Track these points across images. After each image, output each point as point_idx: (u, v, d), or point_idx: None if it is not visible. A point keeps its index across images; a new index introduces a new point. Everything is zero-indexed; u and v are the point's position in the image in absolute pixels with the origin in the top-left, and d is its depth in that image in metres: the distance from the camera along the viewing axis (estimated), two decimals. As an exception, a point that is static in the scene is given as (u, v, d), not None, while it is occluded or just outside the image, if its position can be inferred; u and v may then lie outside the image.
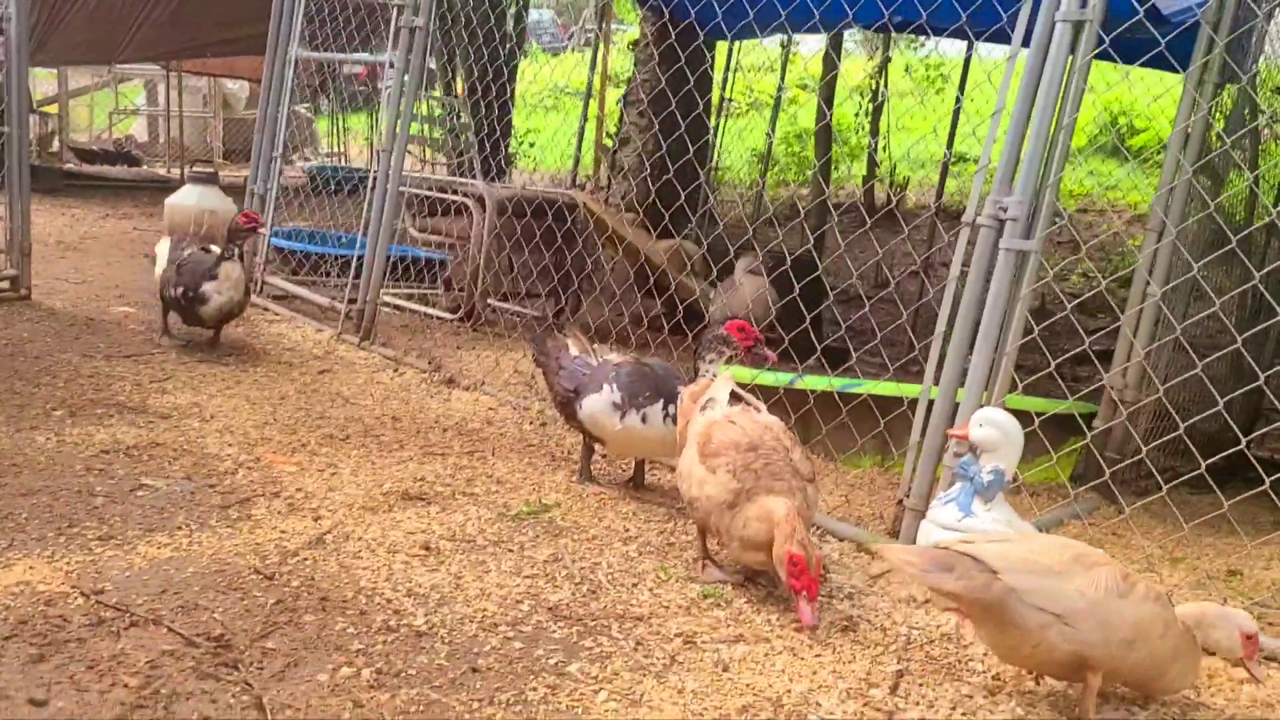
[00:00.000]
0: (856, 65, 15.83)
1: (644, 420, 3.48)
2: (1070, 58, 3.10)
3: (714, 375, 3.29)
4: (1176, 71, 4.27)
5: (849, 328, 6.42)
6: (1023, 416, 3.06)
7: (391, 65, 5.88)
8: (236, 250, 5.10)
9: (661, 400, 3.49)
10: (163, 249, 5.76)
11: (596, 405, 3.56)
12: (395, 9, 5.75)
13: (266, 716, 2.09)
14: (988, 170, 3.32)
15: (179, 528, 3.02)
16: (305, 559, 2.88)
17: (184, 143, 16.42)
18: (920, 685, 2.48)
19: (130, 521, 3.04)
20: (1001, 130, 3.28)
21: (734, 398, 3.13)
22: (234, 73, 16.51)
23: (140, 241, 9.15)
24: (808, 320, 4.17)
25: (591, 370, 3.66)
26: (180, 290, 5.02)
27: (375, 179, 5.91)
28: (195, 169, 8.26)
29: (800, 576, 2.61)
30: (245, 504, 3.26)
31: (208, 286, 4.98)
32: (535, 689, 2.31)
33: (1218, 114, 4.36)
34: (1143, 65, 4.65)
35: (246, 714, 2.10)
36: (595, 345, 3.86)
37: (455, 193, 6.62)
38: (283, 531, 3.07)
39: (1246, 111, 4.80)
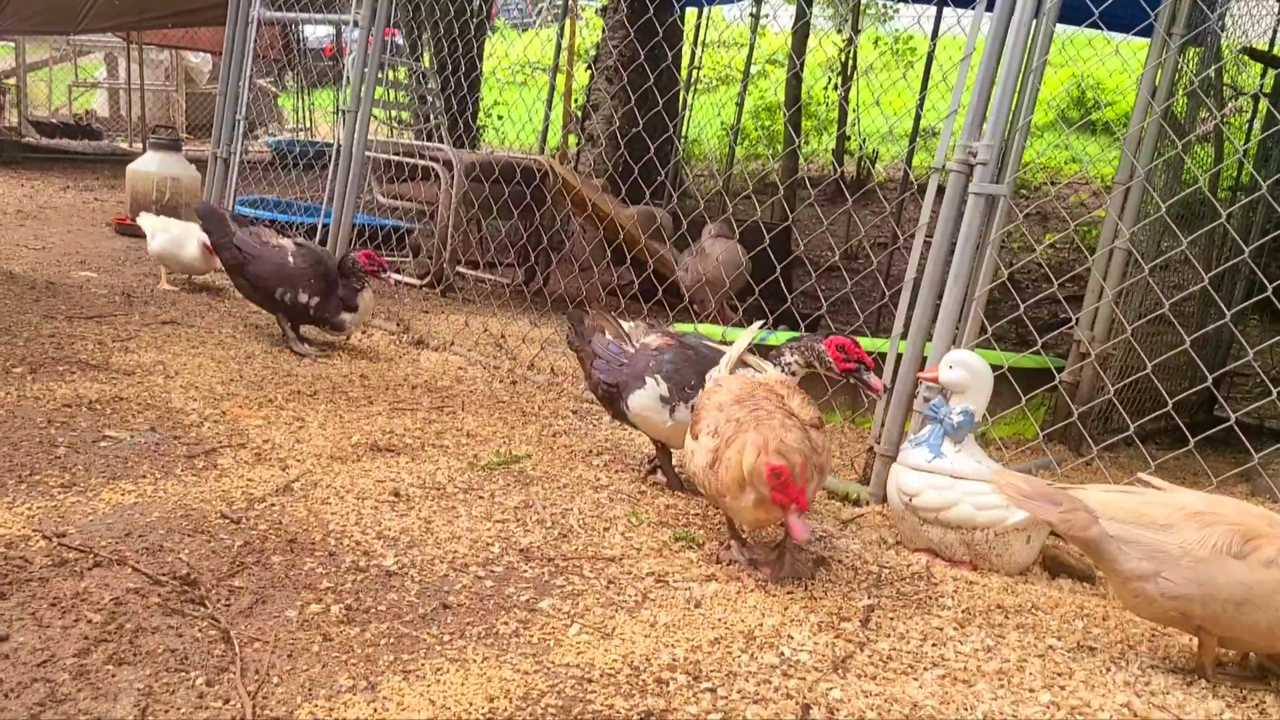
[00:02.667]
0: (826, 41, 15.81)
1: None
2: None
3: (793, 372, 2.95)
4: (1144, 34, 4.30)
5: (812, 296, 6.44)
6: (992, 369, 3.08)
7: (356, 25, 5.80)
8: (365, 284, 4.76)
9: None
10: (148, 223, 5.72)
11: (643, 402, 3.18)
12: (359, -34, 5.67)
13: (234, 648, 2.06)
14: (958, 115, 3.32)
15: (143, 476, 2.97)
16: (273, 505, 2.85)
17: (146, 117, 16.14)
18: (891, 619, 2.49)
19: (93, 470, 2.98)
20: (971, 74, 3.28)
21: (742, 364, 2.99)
22: (196, 45, 16.25)
23: (101, 212, 9.01)
24: (779, 272, 4.16)
25: (630, 359, 3.25)
26: (315, 308, 4.69)
27: (340, 142, 5.84)
28: (157, 134, 8.07)
29: (785, 488, 2.38)
30: (211, 454, 3.21)
31: (347, 317, 4.72)
32: (507, 623, 2.29)
33: (1184, 73, 4.38)
34: (1110, 28, 4.66)
35: (213, 647, 2.07)
36: (627, 326, 3.42)
37: (423, 157, 6.56)
38: (249, 480, 3.03)
39: (1212, 71, 4.84)
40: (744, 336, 3.04)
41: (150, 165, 7.71)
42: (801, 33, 8.56)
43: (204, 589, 2.31)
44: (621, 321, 3.44)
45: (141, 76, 16.10)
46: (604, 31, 9.91)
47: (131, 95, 16.72)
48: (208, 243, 5.37)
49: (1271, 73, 5.94)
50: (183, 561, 2.44)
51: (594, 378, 3.36)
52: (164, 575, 2.35)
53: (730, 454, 2.51)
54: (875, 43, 17.21)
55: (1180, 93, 4.29)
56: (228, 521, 2.69)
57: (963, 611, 2.56)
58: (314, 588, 2.38)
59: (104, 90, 19.58)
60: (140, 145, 14.87)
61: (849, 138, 13.38)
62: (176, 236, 5.68)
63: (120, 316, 4.99)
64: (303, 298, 4.62)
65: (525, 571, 2.59)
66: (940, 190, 3.34)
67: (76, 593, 2.24)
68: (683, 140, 9.97)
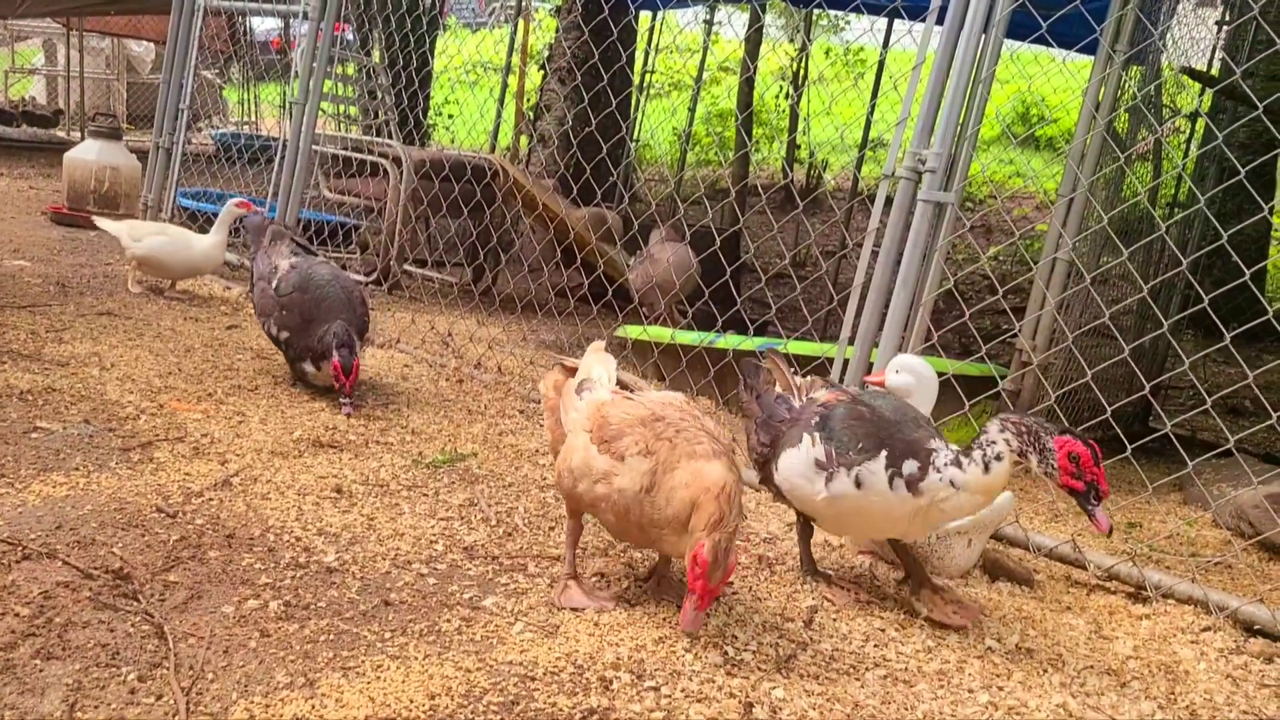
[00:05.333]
0: (779, 50, 15.94)
1: (858, 484, 2.40)
2: (990, 9, 3.14)
3: (995, 457, 2.31)
4: (1089, 52, 4.38)
5: (761, 303, 6.48)
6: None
7: (305, 17, 5.72)
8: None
9: (885, 453, 2.39)
10: (111, 226, 5.41)
11: (793, 464, 2.53)
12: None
13: (168, 644, 2.01)
14: (908, 123, 3.35)
15: (76, 468, 2.89)
16: (210, 499, 2.79)
17: (85, 105, 15.77)
18: (834, 620, 2.51)
19: (23, 462, 2.90)
20: (921, 83, 3.32)
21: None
22: (139, 34, 15.91)
23: (37, 200, 8.77)
24: (729, 274, 4.17)
25: (793, 414, 2.64)
26: (284, 342, 3.98)
27: (287, 136, 5.76)
28: (96, 121, 7.88)
29: (698, 580, 2.14)
30: (147, 447, 3.14)
31: (308, 369, 3.92)
32: (450, 620, 2.27)
33: (1124, 92, 4.48)
34: (1059, 45, 4.76)
35: (146, 643, 2.02)
36: (800, 380, 2.79)
37: (371, 153, 6.48)
38: (187, 474, 2.96)
39: (1152, 88, 4.95)
40: (604, 355, 2.68)
41: (89, 154, 7.53)
42: (755, 39, 8.62)
43: (137, 583, 2.26)
44: (795, 375, 2.81)
45: (81, 64, 15.73)
46: (558, 31, 9.89)
47: (70, 83, 16.32)
48: (237, 201, 5.27)
49: (1209, 93, 6.10)
50: (116, 555, 2.38)
51: (750, 439, 2.77)
52: (96, 569, 2.29)
53: (679, 481, 2.22)
54: (827, 53, 17.41)
55: (1122, 109, 4.38)
56: (163, 516, 2.63)
57: (905, 613, 2.58)
58: (252, 583, 2.33)
59: (42, 77, 19.10)
60: (79, 134, 14.53)
61: (800, 146, 13.50)
62: (175, 238, 5.34)
63: (55, 306, 4.86)
64: (272, 330, 3.99)
65: (469, 569, 2.56)
66: (889, 197, 3.37)
67: (3, 586, 2.17)
68: (635, 143, 9.98)
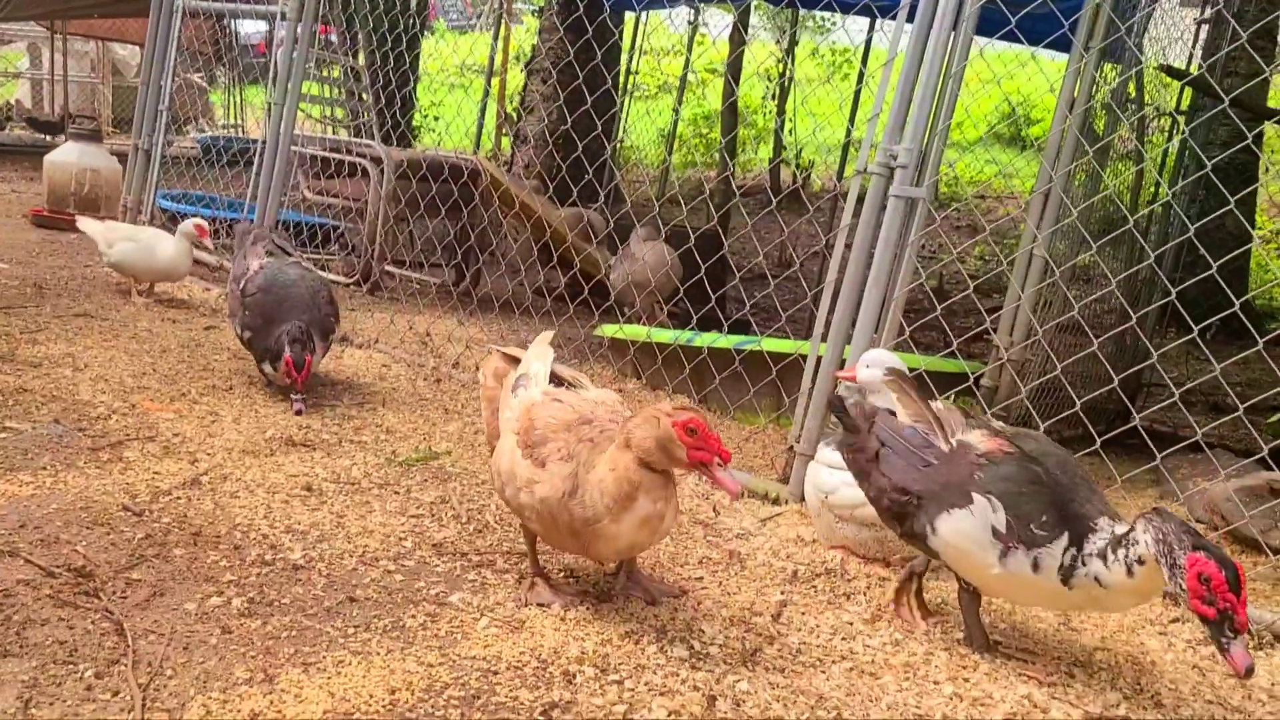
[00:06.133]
0: (765, 50, 15.97)
1: (1035, 567, 2.12)
2: (959, 5, 3.15)
3: (1136, 561, 2.03)
4: (1063, 49, 4.39)
5: (753, 305, 6.49)
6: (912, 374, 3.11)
7: (284, 16, 5.70)
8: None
9: (1067, 534, 2.11)
10: (90, 227, 5.38)
11: (963, 531, 2.19)
12: (287, -44, 5.58)
13: (127, 641, 2.00)
14: (880, 119, 3.36)
15: (43, 468, 2.88)
16: (179, 498, 2.77)
17: (70, 109, 15.70)
18: (803, 614, 2.50)
19: (-10, 461, 2.88)
20: (893, 79, 3.32)
21: (555, 379, 2.49)
22: (124, 36, 15.86)
23: (18, 203, 8.73)
24: (704, 273, 4.16)
25: (942, 459, 2.27)
26: (255, 349, 3.91)
27: (265, 136, 5.74)
28: (76, 124, 7.85)
29: (705, 443, 2.07)
30: (117, 447, 3.12)
31: (268, 370, 3.86)
32: (414, 616, 2.26)
33: (1100, 88, 4.49)
34: (1032, 42, 4.76)
35: (105, 640, 2.01)
36: (941, 405, 2.39)
37: (353, 154, 6.47)
38: (156, 473, 2.95)
39: (1131, 88, 4.97)
40: (545, 349, 2.58)
41: (69, 156, 7.50)
42: (739, 39, 8.63)
43: (99, 581, 2.24)
44: (929, 400, 2.41)
45: (65, 67, 15.67)
46: (539, 32, 9.89)
47: (55, 86, 16.25)
48: (195, 223, 5.16)
49: (1188, 91, 6.11)
50: (79, 554, 2.36)
51: (874, 477, 2.33)
52: (58, 567, 2.28)
53: (601, 472, 2.15)
54: (814, 53, 17.44)
55: (1098, 105, 4.39)
56: (130, 514, 2.62)
57: (874, 607, 2.58)
58: (216, 580, 2.32)
59: (26, 80, 19.03)
60: (63, 137, 14.46)
61: (785, 147, 13.52)
62: (145, 244, 5.26)
63: (31, 308, 4.84)
64: (237, 329, 3.99)
65: (437, 566, 2.55)
66: (862, 193, 3.37)
67: (-37, 584, 2.16)
68: (618, 143, 9.98)
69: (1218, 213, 4.24)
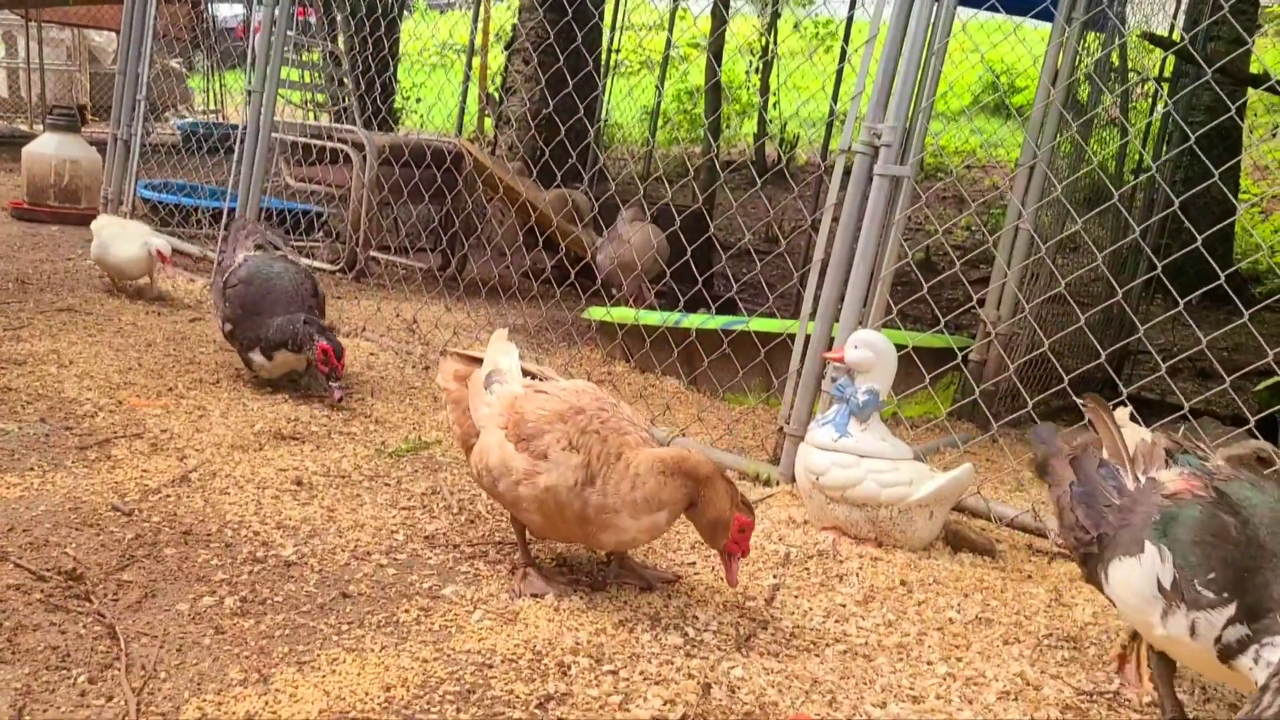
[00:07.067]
0: (748, 24, 15.88)
1: (1193, 632, 1.83)
2: (940, -17, 3.13)
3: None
4: (1045, 19, 4.38)
5: (732, 277, 6.47)
6: (900, 350, 3.11)
7: (261, 3, 5.64)
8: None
9: (1235, 604, 1.78)
10: (102, 225, 5.28)
11: (1128, 581, 1.95)
12: (262, -58, 5.51)
13: (120, 645, 1.99)
14: (863, 97, 3.34)
15: (31, 469, 2.86)
16: (168, 496, 2.76)
17: (47, 98, 15.53)
18: (796, 597, 2.51)
19: (-23, 464, 2.87)
20: (875, 57, 3.31)
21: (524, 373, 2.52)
22: (99, 23, 15.65)
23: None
24: (690, 255, 4.15)
25: (1127, 500, 2.02)
26: (239, 340, 3.89)
27: (246, 123, 5.69)
28: (54, 114, 7.76)
29: (744, 543, 2.27)
30: (105, 445, 3.11)
31: (256, 359, 3.83)
32: (408, 611, 2.26)
33: (1084, 58, 4.48)
34: (1015, 12, 4.74)
35: (98, 644, 2.00)
36: (1134, 432, 2.15)
37: (334, 140, 6.41)
38: (144, 470, 2.93)
39: (1115, 57, 4.96)
40: (506, 345, 2.58)
41: (47, 148, 7.41)
42: (720, 17, 8.57)
43: (90, 584, 2.24)
44: (1123, 427, 2.16)
45: (41, 56, 15.47)
46: (519, 11, 9.81)
47: (31, 75, 16.07)
48: (157, 247, 5.05)
49: (1171, 57, 6.10)
50: (69, 556, 2.35)
51: (1065, 518, 2.16)
52: (48, 570, 2.27)
53: (641, 470, 2.22)
54: (796, 26, 17.33)
55: (1081, 76, 4.38)
56: (119, 514, 2.61)
57: (866, 588, 2.59)
58: (208, 580, 2.32)
59: (2, 69, 18.80)
60: (41, 127, 14.31)
61: (770, 121, 13.46)
62: (110, 235, 5.14)
63: (13, 304, 4.80)
64: (218, 319, 3.99)
65: (429, 558, 2.55)
66: (847, 171, 3.36)
67: (-47, 591, 2.15)
68: (601, 123, 9.92)
69: (1204, 184, 4.23)
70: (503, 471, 2.32)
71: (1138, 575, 1.92)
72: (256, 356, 3.81)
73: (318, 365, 3.72)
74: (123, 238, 5.13)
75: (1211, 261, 3.09)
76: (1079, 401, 2.28)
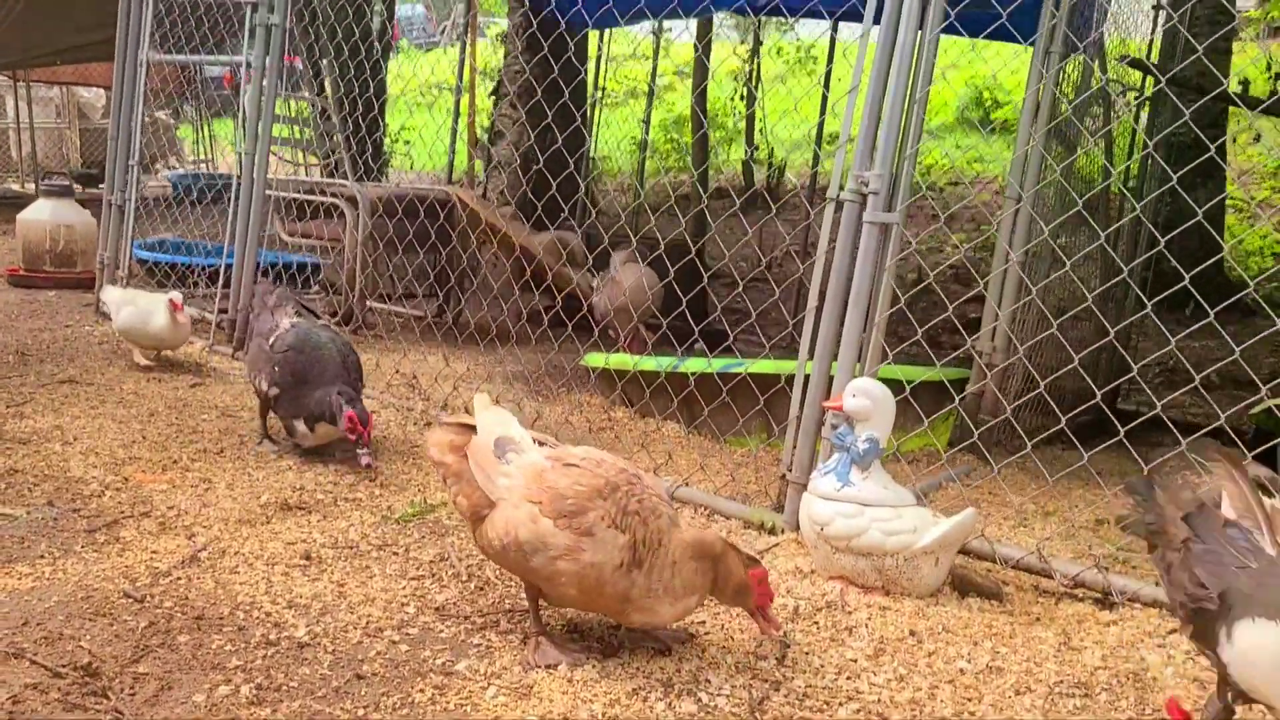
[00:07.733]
0: (728, 49, 15.99)
1: None
2: (920, 32, 3.18)
3: None
4: (1025, 44, 4.44)
5: (728, 309, 6.51)
6: (897, 386, 3.14)
7: (249, 65, 5.70)
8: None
9: None
10: (113, 297, 5.30)
11: (1264, 651, 1.87)
12: (249, 6, 5.57)
13: (139, 743, 2.01)
14: (848, 146, 3.38)
15: (41, 556, 2.88)
16: (178, 578, 2.78)
17: (38, 156, 15.62)
18: (807, 654, 2.53)
19: (-12, 553, 2.88)
20: (859, 107, 3.35)
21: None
22: (88, 80, 15.80)
23: (-6, 261, 8.69)
24: (685, 301, 4.18)
25: (1263, 564, 1.92)
26: (282, 408, 3.94)
27: (239, 183, 5.74)
28: (48, 181, 7.82)
29: (766, 587, 2.40)
30: (113, 526, 3.13)
31: (300, 427, 3.88)
32: (423, 690, 2.27)
33: (1065, 84, 4.53)
34: (992, 39, 4.80)
35: (117, 743, 2.02)
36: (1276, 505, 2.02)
37: (326, 194, 6.46)
38: (154, 552, 2.95)
39: (1094, 78, 5.01)
40: (500, 411, 2.60)
41: (42, 214, 7.47)
42: (705, 46, 8.66)
43: (106, 679, 2.25)
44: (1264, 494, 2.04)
45: (31, 115, 15.58)
46: (504, 58, 9.90)
47: (22, 134, 16.16)
48: (171, 298, 5.07)
49: (1150, 80, 6.16)
50: (84, 649, 2.37)
51: (1177, 575, 2.04)
52: (64, 666, 2.28)
53: (680, 555, 2.35)
54: (778, 51, 17.48)
55: (1063, 105, 4.43)
56: (131, 601, 2.62)
57: (876, 640, 2.61)
58: (223, 667, 2.33)
59: (-7, 129, 18.90)
60: (33, 186, 14.39)
61: (758, 147, 13.55)
62: (143, 309, 5.15)
63: (15, 378, 4.83)
64: (263, 385, 3.97)
65: (441, 632, 2.57)
66: (837, 215, 3.40)
67: (-30, 694, 2.16)
68: (593, 160, 9.98)
69: (1191, 193, 4.28)
70: (537, 546, 2.34)
71: (1267, 638, 1.84)
72: (300, 426, 3.87)
73: (345, 433, 3.75)
74: (153, 310, 5.14)
75: (1179, 268, 3.11)
76: (1206, 460, 2.13)
